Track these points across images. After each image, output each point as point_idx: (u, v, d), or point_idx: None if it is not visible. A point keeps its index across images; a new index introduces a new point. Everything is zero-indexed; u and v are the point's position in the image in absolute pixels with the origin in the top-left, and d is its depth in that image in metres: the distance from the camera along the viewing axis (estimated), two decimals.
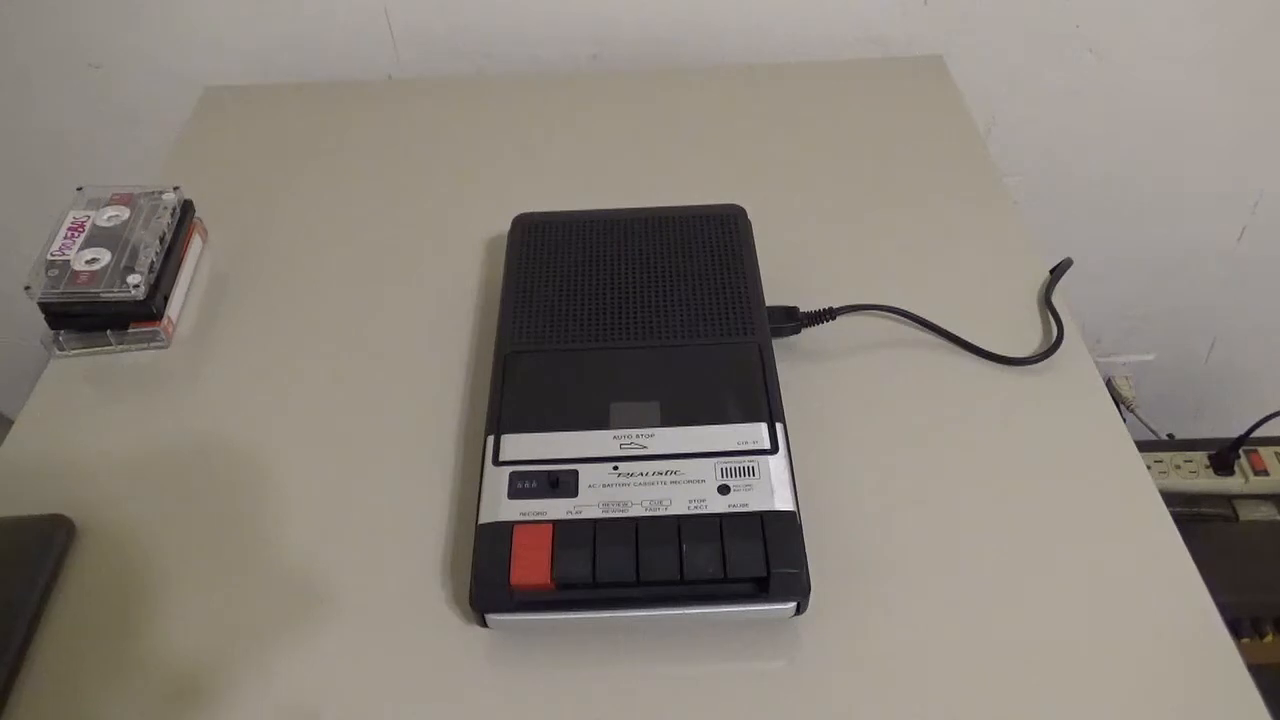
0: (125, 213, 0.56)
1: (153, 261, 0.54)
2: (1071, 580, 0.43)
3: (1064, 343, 0.52)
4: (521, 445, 0.43)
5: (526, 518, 0.40)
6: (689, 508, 0.40)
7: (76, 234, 0.55)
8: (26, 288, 0.52)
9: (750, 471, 0.41)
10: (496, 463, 0.42)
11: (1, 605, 0.42)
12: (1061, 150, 0.90)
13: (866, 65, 0.76)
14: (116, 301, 0.52)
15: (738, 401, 0.44)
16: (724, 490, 0.40)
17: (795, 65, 0.76)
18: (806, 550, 0.40)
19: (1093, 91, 0.85)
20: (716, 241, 0.52)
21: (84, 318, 0.53)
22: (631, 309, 0.49)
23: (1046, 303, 0.55)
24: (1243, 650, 0.40)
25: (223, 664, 0.41)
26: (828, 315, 0.53)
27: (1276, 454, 0.85)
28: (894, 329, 0.54)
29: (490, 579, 0.39)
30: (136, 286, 0.52)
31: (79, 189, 0.58)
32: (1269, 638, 0.76)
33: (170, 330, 0.55)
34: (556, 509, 0.40)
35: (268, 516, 0.46)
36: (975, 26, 0.80)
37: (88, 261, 0.53)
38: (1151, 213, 0.95)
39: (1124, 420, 0.50)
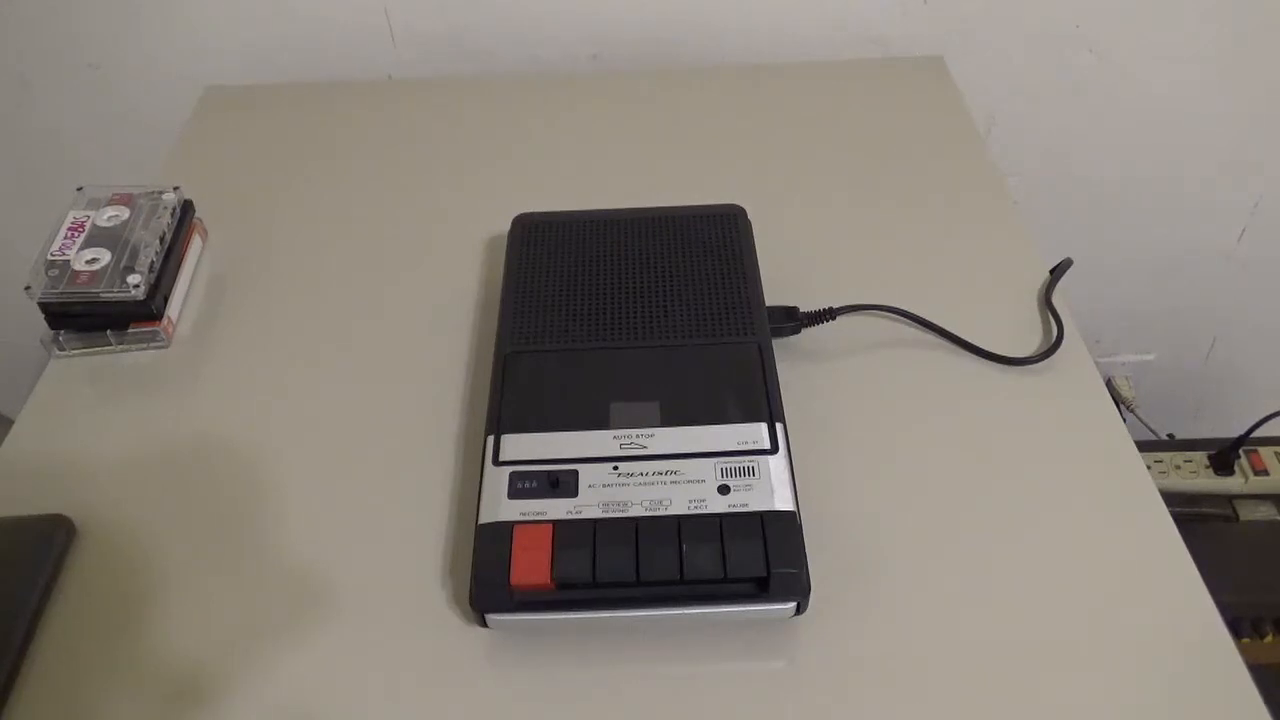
0: (125, 213, 0.56)
1: (153, 261, 0.54)
2: (1071, 580, 0.43)
3: (1064, 343, 0.52)
4: (521, 445, 0.43)
5: (526, 518, 0.40)
6: (689, 508, 0.40)
7: (76, 234, 0.55)
8: (26, 288, 0.52)
9: (750, 471, 0.41)
10: (496, 463, 0.42)
11: (1, 605, 0.42)
12: (1061, 150, 0.90)
13: (866, 65, 0.76)
14: (116, 301, 0.52)
15: (738, 401, 0.44)
16: (724, 490, 0.40)
17: (795, 65, 0.76)
18: (806, 550, 0.40)
19: (1093, 91, 0.85)
20: (716, 241, 0.52)
21: (84, 318, 0.53)
22: (631, 309, 0.49)
23: (1046, 303, 0.55)
24: (1243, 650, 0.40)
25: (223, 664, 0.41)
26: (828, 315, 0.53)
27: (1276, 454, 0.85)
28: (894, 329, 0.54)
29: (490, 579, 0.39)
30: (136, 286, 0.52)
31: (79, 189, 0.58)
32: (1269, 638, 0.76)
33: (170, 330, 0.55)
34: (556, 509, 0.40)
35: (267, 516, 0.46)
36: (975, 26, 0.80)
37: (88, 261, 0.53)
38: (1151, 213, 0.95)
39: (1124, 420, 0.50)
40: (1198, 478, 0.85)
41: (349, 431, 0.50)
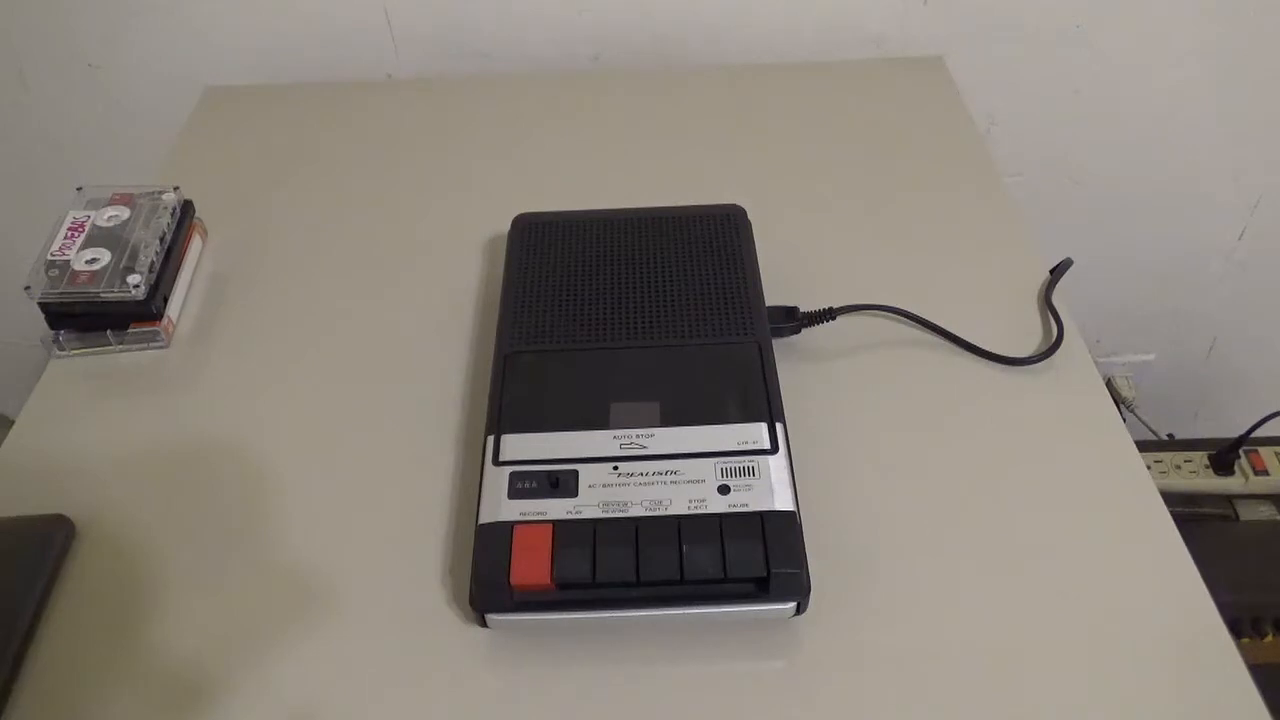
0: (125, 213, 0.56)
1: (153, 261, 0.54)
2: (1072, 580, 0.43)
3: (1064, 343, 0.52)
4: (521, 445, 0.43)
5: (526, 518, 0.40)
6: (689, 508, 0.40)
7: (76, 234, 0.55)
8: (26, 288, 0.52)
9: (750, 471, 0.41)
10: (496, 463, 0.42)
11: (1, 605, 0.42)
12: (1061, 150, 0.90)
13: (866, 65, 0.76)
14: (116, 301, 0.52)
15: (738, 401, 0.44)
16: (724, 490, 0.40)
17: (795, 65, 0.76)
18: (806, 550, 0.40)
19: (1093, 91, 0.85)
20: (716, 241, 0.52)
21: (84, 318, 0.53)
22: (631, 309, 0.49)
23: (1046, 303, 0.55)
24: (1243, 650, 0.40)
25: (222, 664, 0.41)
26: (828, 315, 0.53)
27: (1276, 454, 0.85)
28: (894, 329, 0.54)
29: (490, 579, 0.39)
30: (136, 286, 0.52)
31: (79, 189, 0.58)
32: (1269, 638, 0.76)
33: (170, 330, 0.55)
34: (556, 509, 0.40)
35: (267, 516, 0.46)
36: (975, 26, 0.80)
37: (88, 261, 0.53)
38: (1151, 213, 0.95)
39: (1124, 420, 0.50)
40: (1198, 478, 0.85)
41: (349, 431, 0.50)
